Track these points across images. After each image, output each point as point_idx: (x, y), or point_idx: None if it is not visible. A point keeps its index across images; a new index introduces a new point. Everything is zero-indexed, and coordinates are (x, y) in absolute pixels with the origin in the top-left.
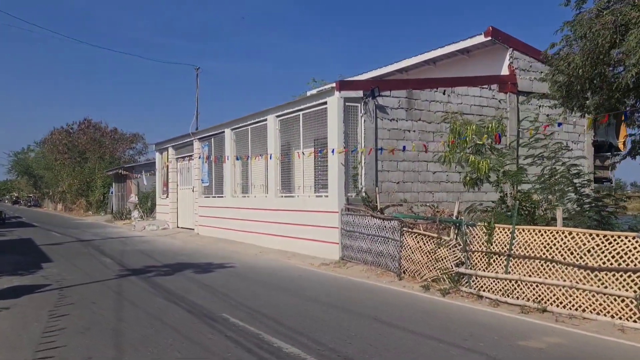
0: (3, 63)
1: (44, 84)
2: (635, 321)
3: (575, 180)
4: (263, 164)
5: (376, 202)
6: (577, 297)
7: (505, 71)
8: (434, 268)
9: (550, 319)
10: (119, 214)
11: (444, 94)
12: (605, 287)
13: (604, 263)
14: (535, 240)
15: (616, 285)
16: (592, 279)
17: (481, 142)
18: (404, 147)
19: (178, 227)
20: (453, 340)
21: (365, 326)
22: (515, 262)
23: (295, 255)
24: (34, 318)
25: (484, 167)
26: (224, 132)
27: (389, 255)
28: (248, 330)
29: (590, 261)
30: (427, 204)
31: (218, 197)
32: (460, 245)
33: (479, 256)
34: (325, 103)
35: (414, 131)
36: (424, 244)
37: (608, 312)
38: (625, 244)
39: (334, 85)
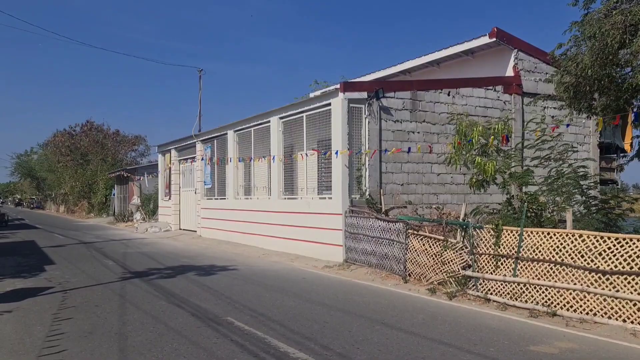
0: (6, 65)
1: (46, 86)
2: None
3: (582, 182)
4: (266, 165)
5: (380, 204)
6: (588, 300)
7: (509, 72)
8: (440, 271)
9: (561, 323)
10: (121, 216)
11: (448, 95)
12: (617, 291)
13: (615, 266)
14: (544, 242)
15: (628, 289)
16: (603, 282)
17: (489, 144)
18: (409, 148)
19: (180, 229)
20: (463, 345)
21: (373, 330)
22: (524, 265)
23: (299, 258)
24: (37, 321)
25: (490, 168)
26: (226, 134)
27: (393, 257)
28: (254, 334)
29: (601, 264)
30: (432, 206)
31: (220, 199)
32: (467, 247)
33: (486, 259)
34: (329, 104)
35: (418, 132)
36: (430, 247)
37: (620, 316)
38: (637, 246)
39: (337, 86)
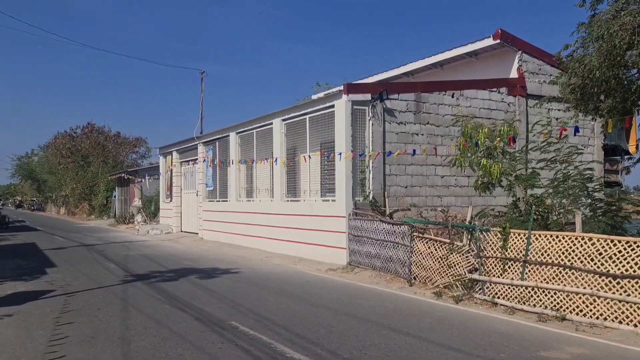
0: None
1: (47, 88)
2: None
3: (588, 185)
4: (268, 168)
5: (384, 207)
6: (598, 305)
7: (514, 74)
8: (446, 274)
9: (570, 328)
10: (121, 218)
11: (452, 97)
12: (628, 295)
13: (626, 270)
14: (552, 246)
15: (639, 293)
16: (614, 286)
17: (494, 146)
18: (414, 150)
19: (182, 231)
20: (472, 351)
21: (380, 335)
22: (531, 268)
23: (302, 261)
24: (38, 325)
25: (496, 171)
26: (228, 135)
27: (398, 260)
28: (259, 339)
29: (612, 268)
30: (437, 209)
31: (222, 201)
32: (473, 250)
33: (493, 262)
34: (333, 106)
35: (422, 135)
36: (436, 250)
37: (631, 320)
38: None
39: (341, 88)
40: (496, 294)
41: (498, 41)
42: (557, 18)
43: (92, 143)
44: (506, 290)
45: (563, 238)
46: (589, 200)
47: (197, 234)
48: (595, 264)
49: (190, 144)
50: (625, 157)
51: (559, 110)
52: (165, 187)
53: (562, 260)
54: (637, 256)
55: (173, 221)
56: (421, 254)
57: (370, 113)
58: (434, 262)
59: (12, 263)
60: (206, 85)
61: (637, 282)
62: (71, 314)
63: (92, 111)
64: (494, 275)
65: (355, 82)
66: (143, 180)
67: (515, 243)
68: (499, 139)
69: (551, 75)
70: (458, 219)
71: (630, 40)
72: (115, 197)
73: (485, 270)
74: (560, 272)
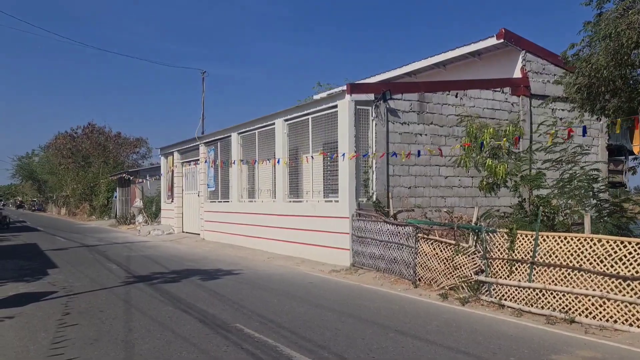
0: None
1: (48, 88)
2: None
3: (594, 185)
4: (270, 168)
5: (388, 208)
6: (607, 307)
7: (517, 74)
8: (452, 276)
9: (580, 331)
10: (123, 218)
11: (456, 97)
12: (639, 297)
13: (637, 272)
14: (560, 247)
15: None
16: (624, 288)
17: (500, 146)
18: (419, 151)
19: (183, 232)
20: (482, 354)
21: (387, 338)
22: (539, 270)
23: (305, 262)
24: (41, 327)
25: (501, 171)
26: (230, 136)
27: (403, 262)
28: (265, 342)
29: (622, 270)
30: (441, 210)
31: (224, 201)
32: (479, 252)
33: (500, 264)
34: (336, 106)
35: (426, 135)
36: (441, 251)
37: None
38: None
39: (344, 88)
40: (503, 295)
41: (502, 41)
42: (557, 18)
43: (92, 143)
44: (513, 292)
45: (572, 239)
46: (595, 201)
47: (199, 234)
48: (604, 265)
49: (191, 145)
50: (630, 157)
51: (563, 110)
52: (166, 187)
53: (570, 262)
54: None
55: (174, 222)
56: (426, 255)
57: (373, 113)
58: (439, 263)
59: (14, 264)
60: (207, 85)
61: None
62: (73, 316)
63: (92, 111)
64: (500, 277)
65: (357, 82)
66: (144, 181)
67: (522, 244)
68: (504, 139)
69: (555, 75)
70: (463, 220)
71: (638, 39)
72: (116, 197)
73: (491, 271)
74: (568, 274)
